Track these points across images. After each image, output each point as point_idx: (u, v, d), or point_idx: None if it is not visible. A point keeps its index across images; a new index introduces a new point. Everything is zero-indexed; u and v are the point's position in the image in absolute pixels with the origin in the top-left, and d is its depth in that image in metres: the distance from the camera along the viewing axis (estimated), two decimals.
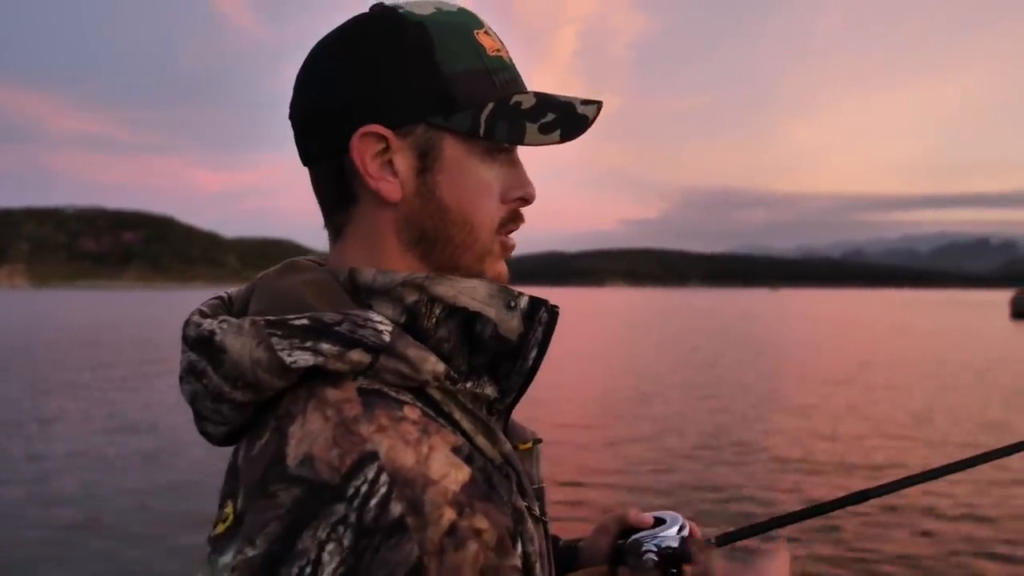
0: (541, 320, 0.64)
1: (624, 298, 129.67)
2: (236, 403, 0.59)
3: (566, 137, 0.65)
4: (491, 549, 0.51)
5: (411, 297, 0.61)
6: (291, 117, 0.68)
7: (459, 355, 0.62)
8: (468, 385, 0.63)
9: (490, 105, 0.63)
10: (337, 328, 0.57)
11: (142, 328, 33.13)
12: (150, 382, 14.25)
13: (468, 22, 0.65)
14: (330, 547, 0.49)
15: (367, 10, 0.66)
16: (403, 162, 0.63)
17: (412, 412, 0.56)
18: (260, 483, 0.53)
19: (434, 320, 0.62)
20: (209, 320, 0.61)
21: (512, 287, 0.65)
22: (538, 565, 0.60)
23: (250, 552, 0.50)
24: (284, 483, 0.52)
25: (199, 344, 0.60)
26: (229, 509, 0.56)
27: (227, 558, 0.53)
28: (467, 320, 0.62)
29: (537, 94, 0.66)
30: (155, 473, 7.42)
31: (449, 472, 0.53)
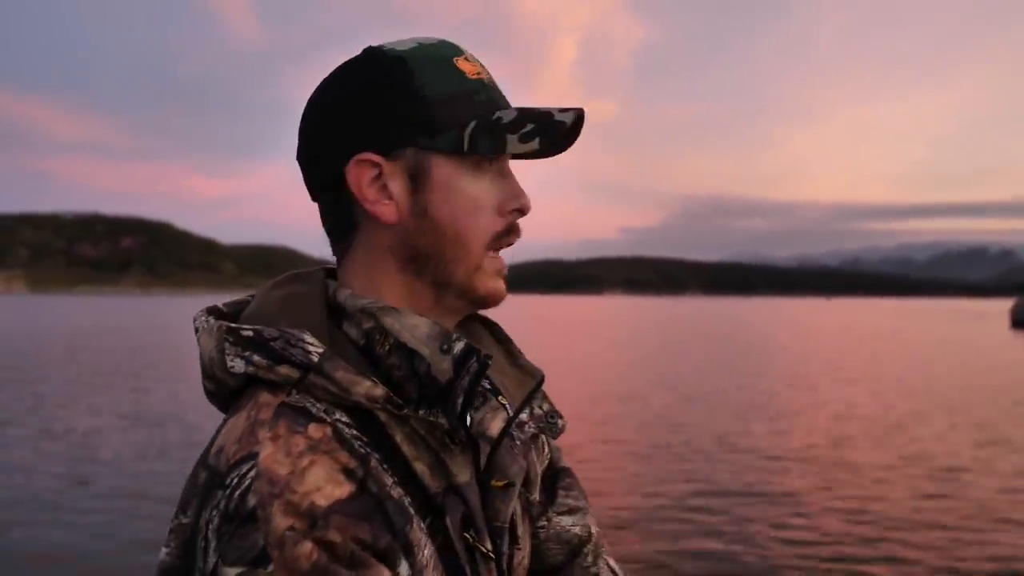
0: (470, 369, 0.66)
1: (623, 306, 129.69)
2: (209, 392, 0.69)
3: (545, 142, 0.68)
4: (341, 562, 0.54)
5: (367, 324, 0.67)
6: (297, 158, 0.74)
7: (410, 383, 0.66)
8: (420, 413, 0.66)
9: (472, 123, 0.68)
10: (272, 343, 0.63)
11: (142, 334, 32.90)
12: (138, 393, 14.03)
13: (447, 51, 0.70)
14: (211, 528, 0.57)
15: (358, 53, 0.72)
16: (397, 185, 0.68)
17: (316, 431, 0.61)
18: (197, 462, 0.63)
19: (387, 348, 0.66)
20: (204, 317, 0.69)
21: (451, 332, 0.68)
22: None
23: (184, 519, 0.60)
24: (202, 467, 0.61)
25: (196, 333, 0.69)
26: None
27: (175, 518, 0.61)
28: (409, 354, 0.66)
29: (518, 109, 0.70)
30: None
31: (323, 487, 0.57)
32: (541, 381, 0.79)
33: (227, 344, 0.65)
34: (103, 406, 12.07)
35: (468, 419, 0.71)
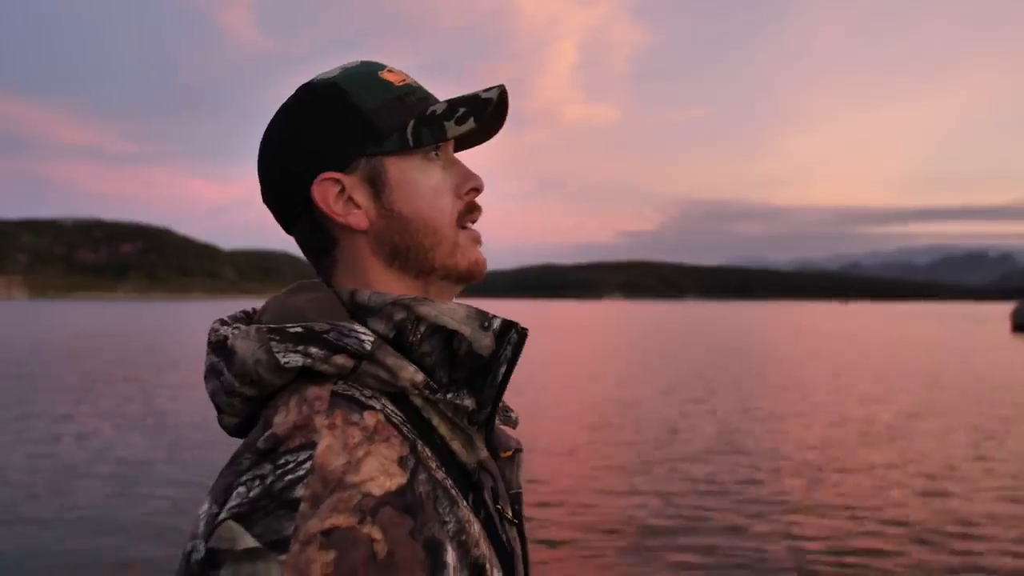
0: (511, 340, 0.72)
1: (622, 311, 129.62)
2: (244, 397, 0.69)
3: (479, 119, 0.74)
4: (375, 561, 0.55)
5: (399, 315, 0.71)
6: (264, 201, 0.79)
7: (440, 369, 0.71)
8: (448, 396, 0.71)
9: (412, 122, 0.74)
10: (325, 335, 0.67)
11: (139, 339, 32.88)
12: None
13: (371, 68, 0.77)
14: (240, 490, 0.58)
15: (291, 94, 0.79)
16: (360, 194, 0.74)
17: (371, 419, 0.64)
18: (234, 456, 0.63)
19: (418, 336, 0.70)
20: (226, 327, 0.72)
21: (487, 311, 0.73)
22: (494, 570, 0.65)
23: (215, 509, 0.59)
24: (250, 454, 0.61)
25: (217, 347, 0.70)
26: None
27: (206, 511, 0.60)
28: (447, 338, 0.71)
29: (448, 100, 0.77)
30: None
31: (376, 477, 0.59)
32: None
33: (274, 343, 0.67)
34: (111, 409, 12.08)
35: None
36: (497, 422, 0.85)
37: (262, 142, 0.78)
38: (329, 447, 0.60)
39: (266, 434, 0.62)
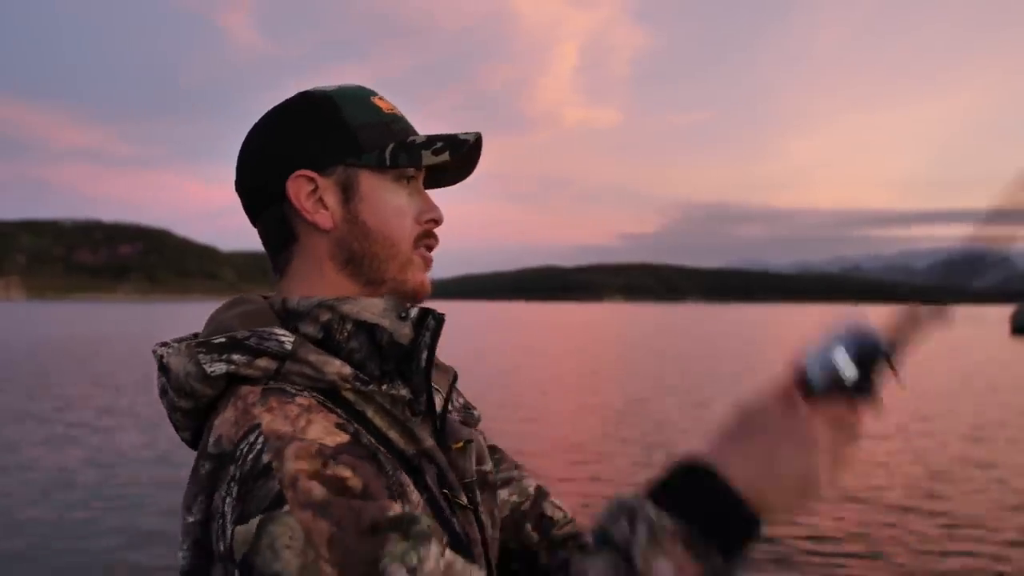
0: (428, 326, 0.77)
1: (623, 313, 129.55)
2: (184, 410, 0.74)
3: (453, 154, 0.81)
4: (353, 494, 0.60)
5: (324, 316, 0.75)
6: (237, 185, 0.85)
7: (371, 362, 0.75)
8: (383, 387, 0.75)
9: (392, 144, 0.80)
10: (247, 342, 0.71)
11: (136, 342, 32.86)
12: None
13: (365, 92, 0.84)
14: (228, 501, 0.61)
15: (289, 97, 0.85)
16: (331, 197, 0.79)
17: (304, 400, 0.68)
18: (195, 465, 0.69)
19: (345, 334, 0.75)
20: (162, 348, 0.76)
21: (404, 302, 0.79)
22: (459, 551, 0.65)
23: (190, 519, 0.66)
24: (205, 459, 0.67)
25: (160, 368, 0.75)
26: None
27: (183, 520, 0.67)
28: (370, 331, 0.75)
29: (428, 135, 0.83)
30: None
31: (324, 437, 0.64)
32: (456, 376, 0.90)
33: (201, 355, 0.71)
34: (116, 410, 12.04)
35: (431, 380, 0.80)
36: (454, 416, 0.90)
37: (250, 132, 0.84)
38: (272, 420, 0.65)
39: (213, 439, 0.67)
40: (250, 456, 0.62)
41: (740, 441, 0.68)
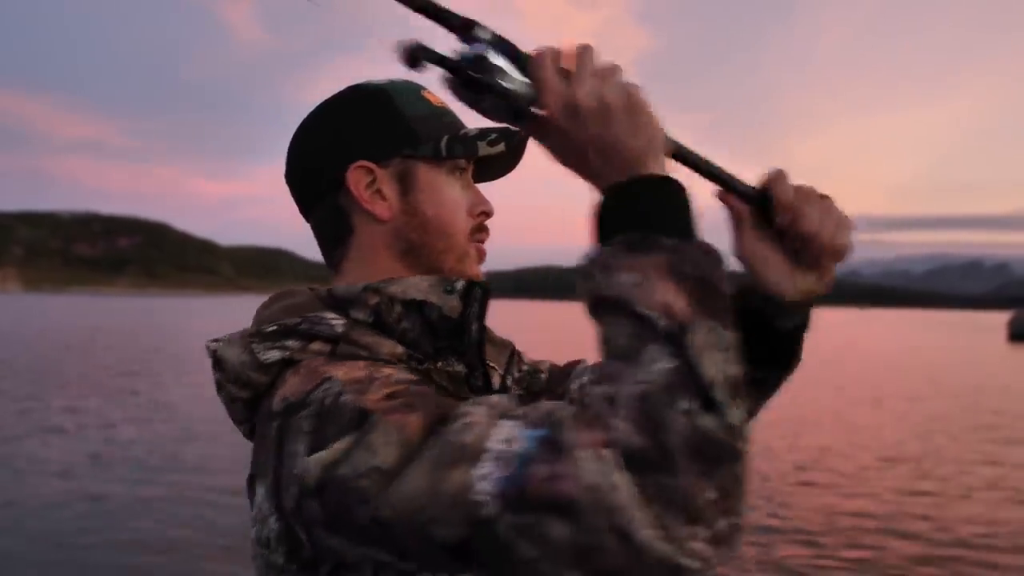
0: (476, 296, 0.79)
1: None
2: (243, 400, 0.75)
3: (509, 145, 0.81)
4: (436, 402, 0.62)
5: (373, 299, 0.75)
6: (287, 176, 0.85)
7: (424, 340, 0.76)
8: (439, 365, 0.76)
9: (446, 136, 0.80)
10: (299, 327, 0.72)
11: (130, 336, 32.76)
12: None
13: (415, 86, 0.84)
14: (300, 438, 0.63)
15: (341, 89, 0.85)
16: (388, 188, 0.79)
17: (366, 363, 0.70)
18: (257, 433, 0.71)
19: (395, 315, 0.75)
20: (214, 343, 0.77)
21: (449, 277, 0.79)
22: None
23: (261, 489, 0.68)
24: (269, 420, 0.67)
25: (214, 362, 0.76)
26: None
27: (259, 492, 0.68)
28: (420, 310, 0.76)
29: (480, 127, 0.82)
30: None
31: (394, 373, 0.67)
32: (513, 349, 0.93)
33: (254, 344, 0.72)
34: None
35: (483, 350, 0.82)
36: (515, 391, 0.90)
37: (303, 123, 0.84)
38: (346, 372, 0.66)
39: (277, 399, 0.67)
40: (326, 400, 0.62)
41: (590, 168, 0.69)
